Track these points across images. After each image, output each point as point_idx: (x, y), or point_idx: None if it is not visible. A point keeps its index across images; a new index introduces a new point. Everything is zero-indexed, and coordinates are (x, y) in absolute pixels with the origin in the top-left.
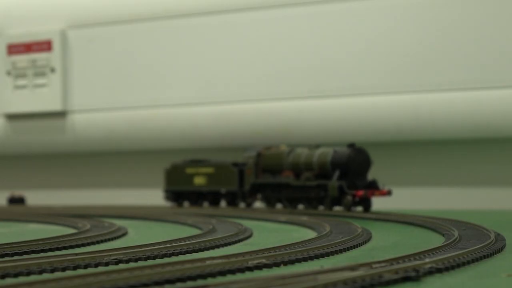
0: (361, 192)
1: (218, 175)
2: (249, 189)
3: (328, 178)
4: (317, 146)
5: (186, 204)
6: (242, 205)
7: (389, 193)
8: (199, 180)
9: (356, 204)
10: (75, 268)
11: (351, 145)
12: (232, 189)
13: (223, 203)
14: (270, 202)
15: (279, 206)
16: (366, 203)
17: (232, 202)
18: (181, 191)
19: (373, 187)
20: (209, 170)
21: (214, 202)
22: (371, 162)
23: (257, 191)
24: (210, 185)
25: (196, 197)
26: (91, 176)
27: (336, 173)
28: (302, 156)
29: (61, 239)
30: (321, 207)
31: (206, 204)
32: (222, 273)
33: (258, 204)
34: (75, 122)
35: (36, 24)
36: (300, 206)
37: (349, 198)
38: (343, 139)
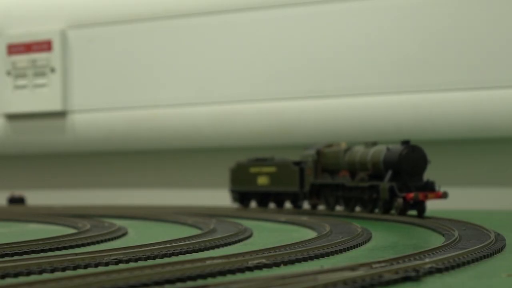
0: (411, 195)
1: (280, 175)
2: (308, 190)
3: (382, 179)
4: (374, 143)
5: (251, 205)
6: (305, 206)
7: (444, 195)
8: (262, 180)
9: (410, 207)
10: (75, 268)
11: (405, 142)
12: (294, 189)
13: (287, 204)
14: (329, 204)
15: (339, 208)
16: (419, 207)
17: (295, 204)
18: (246, 192)
19: (428, 189)
20: (272, 169)
21: (279, 203)
22: (428, 161)
23: (317, 192)
24: (273, 185)
25: (261, 197)
26: (91, 176)
27: (389, 174)
28: (357, 155)
29: (61, 239)
30: (376, 210)
31: (271, 205)
32: (222, 273)
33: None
34: (75, 122)
35: (36, 24)
36: (358, 209)
37: (399, 201)
38: (343, 139)
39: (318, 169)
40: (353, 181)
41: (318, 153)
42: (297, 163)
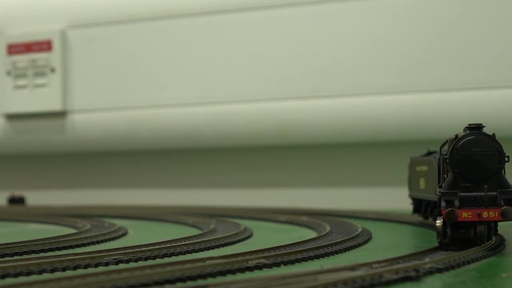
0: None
1: None
2: None
3: None
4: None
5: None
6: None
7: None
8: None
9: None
10: (75, 268)
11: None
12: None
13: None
14: None
15: None
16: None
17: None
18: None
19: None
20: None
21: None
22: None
23: None
24: None
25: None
26: (91, 176)
27: None
28: None
29: (61, 239)
30: None
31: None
32: (222, 273)
33: None
34: (75, 122)
35: (36, 24)
36: None
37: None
38: (343, 139)
39: None
40: None
41: None
42: None
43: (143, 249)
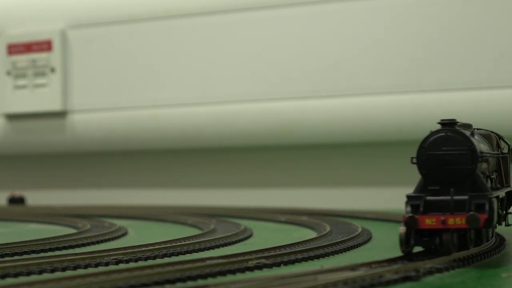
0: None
1: None
2: None
3: None
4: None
5: None
6: None
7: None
8: None
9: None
10: (75, 268)
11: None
12: None
13: None
14: None
15: None
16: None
17: None
18: None
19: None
20: None
21: None
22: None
23: None
24: None
25: None
26: (91, 176)
27: None
28: None
29: (61, 239)
30: None
31: None
32: (222, 273)
33: None
34: (75, 122)
35: (36, 24)
36: None
37: None
38: (343, 139)
39: None
40: None
41: None
42: None
43: (143, 249)
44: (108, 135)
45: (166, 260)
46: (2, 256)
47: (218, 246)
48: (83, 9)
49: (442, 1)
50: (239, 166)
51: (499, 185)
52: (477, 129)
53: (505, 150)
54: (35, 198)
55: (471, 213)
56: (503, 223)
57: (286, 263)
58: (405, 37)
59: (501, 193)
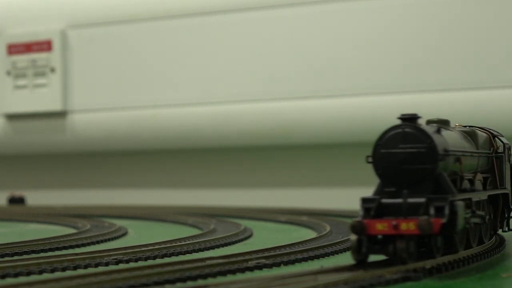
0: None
1: None
2: None
3: None
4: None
5: None
6: None
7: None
8: None
9: None
10: (75, 268)
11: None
12: None
13: None
14: None
15: None
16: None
17: None
18: None
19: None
20: None
21: None
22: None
23: None
24: None
25: None
26: (91, 176)
27: None
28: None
29: (61, 239)
30: None
31: None
32: (222, 273)
33: None
34: (75, 122)
35: (36, 24)
36: None
37: None
38: (343, 139)
39: None
40: None
41: None
42: None
43: (143, 249)
44: (108, 135)
45: (166, 260)
46: (2, 256)
47: (218, 246)
48: (83, 9)
49: (442, 1)
50: (239, 166)
51: (491, 187)
52: (470, 126)
53: (504, 150)
54: (35, 198)
55: (423, 217)
56: (501, 229)
57: (286, 263)
58: (405, 37)
59: (476, 196)
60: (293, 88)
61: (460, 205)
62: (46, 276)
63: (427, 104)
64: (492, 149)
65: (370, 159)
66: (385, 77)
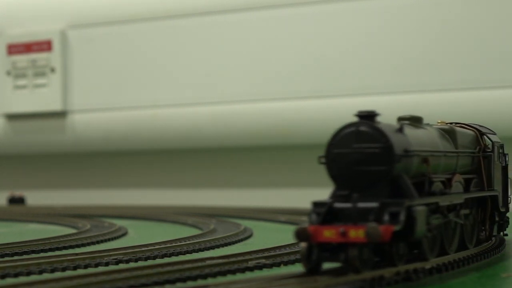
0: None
1: None
2: None
3: None
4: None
5: None
6: None
7: None
8: None
9: None
10: (75, 268)
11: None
12: None
13: None
14: None
15: None
16: None
17: None
18: None
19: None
20: None
21: None
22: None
23: None
24: None
25: None
26: (91, 176)
27: None
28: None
29: (61, 239)
30: None
31: None
32: (222, 273)
33: None
34: (75, 122)
35: (36, 24)
36: None
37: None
38: None
39: None
40: None
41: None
42: None
43: (143, 249)
44: (108, 135)
45: (166, 260)
46: (2, 256)
47: (218, 246)
48: (83, 9)
49: (442, 1)
50: (239, 166)
51: (477, 189)
52: (456, 123)
53: (493, 149)
54: (35, 198)
55: (371, 224)
56: (489, 233)
57: (286, 263)
58: (405, 37)
59: (446, 199)
60: (293, 88)
61: (419, 210)
62: (46, 276)
63: (427, 104)
64: (478, 147)
65: (322, 160)
66: (385, 77)
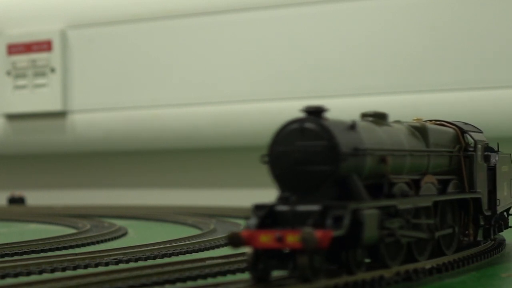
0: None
1: None
2: None
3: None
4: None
5: None
6: None
7: None
8: None
9: None
10: (75, 268)
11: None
12: None
13: None
14: None
15: None
16: None
17: None
18: None
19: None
20: None
21: None
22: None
23: None
24: None
25: None
26: (91, 176)
27: None
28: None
29: (61, 239)
30: None
31: None
32: (222, 273)
33: None
34: (75, 122)
35: (36, 24)
36: None
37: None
38: None
39: None
40: None
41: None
42: None
43: (143, 249)
44: (108, 135)
45: (166, 260)
46: (2, 256)
47: (218, 246)
48: (83, 9)
49: (442, 1)
50: (239, 166)
51: (456, 191)
52: (436, 120)
53: (475, 148)
54: (35, 198)
55: (307, 230)
56: (471, 238)
57: None
58: (405, 37)
59: (406, 202)
60: (293, 88)
61: (368, 214)
62: (46, 276)
63: (427, 104)
64: (458, 146)
65: (265, 159)
66: (385, 77)
